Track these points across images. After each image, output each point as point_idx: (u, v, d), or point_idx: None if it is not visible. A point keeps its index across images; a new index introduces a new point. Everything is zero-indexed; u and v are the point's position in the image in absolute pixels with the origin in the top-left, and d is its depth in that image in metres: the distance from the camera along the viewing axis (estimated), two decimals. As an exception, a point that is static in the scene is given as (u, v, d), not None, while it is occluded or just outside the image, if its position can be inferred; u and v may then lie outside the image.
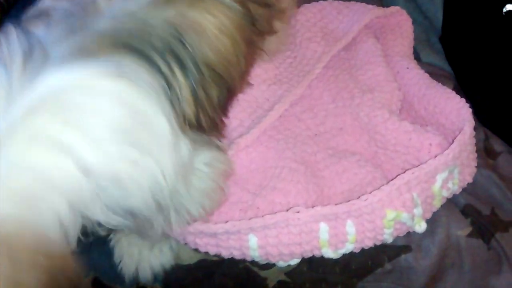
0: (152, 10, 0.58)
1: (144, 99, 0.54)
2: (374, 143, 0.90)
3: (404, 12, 1.04)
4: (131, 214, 0.58)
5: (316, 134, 0.92)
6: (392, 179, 0.82)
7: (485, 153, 0.94)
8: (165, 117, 0.56)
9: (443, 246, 0.81)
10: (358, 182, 0.82)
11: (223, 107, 0.69)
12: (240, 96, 0.86)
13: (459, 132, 0.83)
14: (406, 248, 0.81)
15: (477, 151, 0.92)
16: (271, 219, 0.72)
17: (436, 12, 1.10)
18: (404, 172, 0.77)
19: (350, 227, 0.74)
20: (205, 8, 0.61)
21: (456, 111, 0.84)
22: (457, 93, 1.00)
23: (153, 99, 0.55)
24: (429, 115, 0.90)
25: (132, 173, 0.54)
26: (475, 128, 0.95)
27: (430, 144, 0.84)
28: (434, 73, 1.04)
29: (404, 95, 0.94)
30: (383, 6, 1.13)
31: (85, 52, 0.53)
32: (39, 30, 0.56)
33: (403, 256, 0.80)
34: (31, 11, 0.62)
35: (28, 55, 0.52)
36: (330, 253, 0.74)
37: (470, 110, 0.84)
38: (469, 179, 0.85)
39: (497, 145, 0.95)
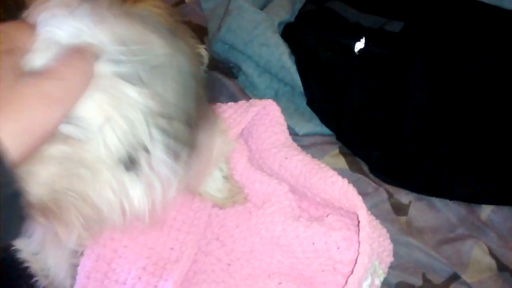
0: None
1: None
2: (287, 255, 0.82)
3: (267, 100, 0.94)
4: None
5: (229, 264, 0.83)
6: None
7: (394, 213, 0.89)
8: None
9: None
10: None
11: None
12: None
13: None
14: None
15: (385, 213, 0.89)
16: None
17: (293, 77, 1.04)
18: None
19: None
20: None
21: (344, 196, 0.78)
22: (345, 156, 0.97)
23: None
24: (324, 201, 0.84)
25: None
26: (376, 190, 0.91)
27: (335, 242, 0.77)
28: (315, 143, 0.98)
29: (295, 187, 0.86)
30: (241, 88, 1.07)
31: None
32: None
33: None
34: None
35: None
36: None
37: (355, 192, 0.78)
38: (390, 259, 0.79)
39: (403, 197, 0.91)
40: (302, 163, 0.84)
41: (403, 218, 0.89)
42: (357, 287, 0.71)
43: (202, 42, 1.18)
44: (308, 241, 0.77)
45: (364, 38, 1.06)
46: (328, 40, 1.09)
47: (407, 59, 1.01)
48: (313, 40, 1.09)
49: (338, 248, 0.77)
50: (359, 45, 1.07)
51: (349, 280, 0.71)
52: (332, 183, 0.80)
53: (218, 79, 1.12)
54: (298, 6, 1.17)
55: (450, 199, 0.89)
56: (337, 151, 0.97)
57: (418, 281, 0.80)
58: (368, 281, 0.73)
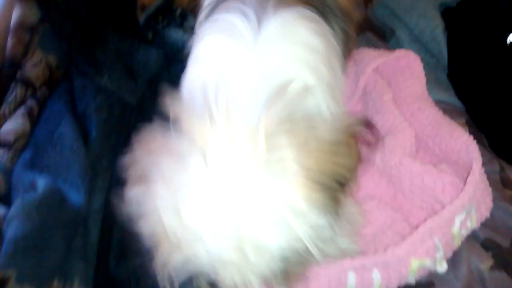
0: None
1: (328, 33, 0.79)
2: (392, 186, 0.94)
3: (411, 52, 1.09)
4: None
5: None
6: (411, 220, 0.87)
7: (502, 185, 0.97)
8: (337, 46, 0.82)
9: (467, 280, 0.85)
10: (379, 226, 0.87)
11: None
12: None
13: (471, 169, 0.87)
14: (429, 285, 0.84)
15: (493, 183, 0.96)
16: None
17: (441, 50, 1.15)
18: (424, 220, 0.81)
19: (376, 275, 0.79)
20: None
21: (465, 149, 0.89)
22: (470, 127, 1.05)
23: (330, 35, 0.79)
24: (443, 153, 0.95)
25: None
26: (490, 161, 0.99)
27: (443, 184, 0.88)
28: (445, 110, 1.08)
29: (419, 135, 0.98)
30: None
31: (283, 4, 0.76)
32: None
33: (428, 291, 0.84)
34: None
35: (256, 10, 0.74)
36: (356, 297, 0.79)
37: (477, 148, 0.88)
38: (487, 215, 0.88)
39: (514, 175, 0.98)
40: (433, 116, 0.96)
41: (508, 192, 0.96)
42: (451, 216, 0.82)
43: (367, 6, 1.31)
44: (419, 177, 0.89)
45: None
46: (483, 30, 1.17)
47: None
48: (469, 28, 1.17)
49: (443, 190, 0.88)
50: (512, 37, 1.14)
51: (446, 208, 0.82)
52: (457, 136, 0.91)
53: (369, 40, 1.25)
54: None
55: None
56: (463, 121, 1.06)
57: (506, 243, 0.88)
58: (462, 216, 0.82)
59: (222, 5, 0.81)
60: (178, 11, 1.25)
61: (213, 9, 0.84)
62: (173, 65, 1.20)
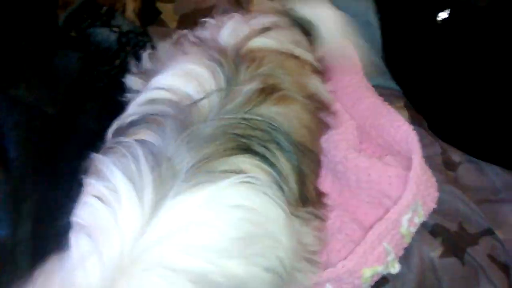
0: (247, 110, 0.65)
1: (263, 200, 0.58)
2: (338, 181, 0.92)
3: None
4: None
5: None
6: (359, 217, 0.85)
7: (444, 167, 0.97)
8: (280, 208, 0.60)
9: (419, 270, 0.84)
10: (328, 228, 0.84)
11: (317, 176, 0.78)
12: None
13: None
14: (383, 280, 0.83)
15: (436, 166, 0.96)
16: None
17: (375, 33, 1.12)
18: (372, 217, 0.81)
19: (330, 290, 0.76)
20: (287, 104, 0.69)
21: (405, 139, 0.87)
22: (409, 110, 1.04)
23: (270, 195, 0.59)
24: (386, 143, 0.93)
25: (252, 275, 0.56)
26: (431, 143, 0.99)
27: (390, 177, 0.86)
28: (383, 94, 1.06)
29: (361, 127, 0.96)
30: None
31: (206, 161, 0.57)
32: (155, 139, 0.59)
33: (382, 289, 0.83)
34: (122, 120, 0.69)
35: (157, 172, 0.55)
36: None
37: (416, 138, 0.87)
38: (433, 205, 0.88)
39: (455, 156, 0.99)
40: (373, 105, 0.94)
41: (451, 174, 0.97)
42: (397, 218, 0.81)
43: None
44: (365, 172, 0.87)
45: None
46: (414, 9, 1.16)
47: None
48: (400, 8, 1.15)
49: (389, 184, 0.86)
50: (443, 15, 1.13)
51: (391, 210, 0.81)
52: (398, 126, 0.89)
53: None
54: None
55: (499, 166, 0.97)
56: (402, 104, 1.05)
57: (454, 227, 0.89)
58: (408, 215, 0.82)
59: (129, 133, 0.64)
60: (104, 9, 1.16)
61: (124, 129, 0.68)
62: (97, 68, 1.12)
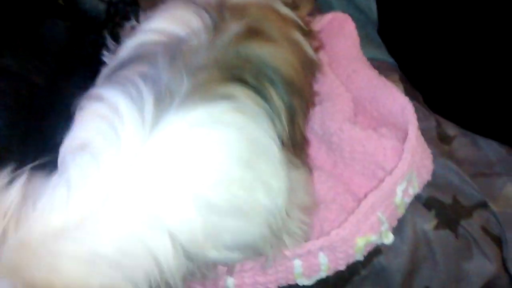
0: (238, 45, 0.65)
1: (257, 127, 0.60)
2: (332, 153, 0.91)
3: (342, 14, 1.04)
4: (246, 248, 0.63)
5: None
6: (353, 189, 0.84)
7: (439, 140, 0.96)
8: (273, 140, 0.62)
9: (412, 242, 0.84)
10: (322, 199, 0.83)
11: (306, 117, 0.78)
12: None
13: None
14: (376, 252, 0.82)
15: (431, 139, 0.95)
16: (247, 264, 0.73)
17: (370, 5, 1.10)
18: (366, 188, 0.79)
19: (323, 259, 0.76)
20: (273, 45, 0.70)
21: (401, 111, 0.86)
22: (404, 83, 1.03)
23: (263, 125, 0.61)
24: (381, 116, 0.92)
25: (251, 199, 0.59)
26: (426, 117, 0.98)
27: (385, 148, 0.85)
28: (378, 67, 1.05)
29: (357, 99, 0.95)
30: (318, 8, 1.14)
31: (201, 86, 0.59)
32: (149, 69, 0.61)
33: (375, 260, 0.82)
34: (112, 63, 0.71)
35: (156, 95, 0.57)
36: (305, 281, 0.76)
37: (412, 110, 0.86)
38: (428, 177, 0.87)
39: (450, 129, 0.98)
40: (368, 77, 0.92)
41: (445, 147, 0.96)
42: (392, 188, 0.79)
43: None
44: (360, 143, 0.86)
45: None
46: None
47: None
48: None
49: (384, 155, 0.85)
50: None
51: (386, 179, 0.80)
52: (394, 99, 0.88)
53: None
54: None
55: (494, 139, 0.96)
56: (397, 77, 1.04)
57: (448, 200, 0.88)
58: (403, 186, 0.81)
59: (123, 70, 0.65)
60: (92, -24, 1.13)
61: (116, 69, 0.69)
62: (85, 37, 1.09)
